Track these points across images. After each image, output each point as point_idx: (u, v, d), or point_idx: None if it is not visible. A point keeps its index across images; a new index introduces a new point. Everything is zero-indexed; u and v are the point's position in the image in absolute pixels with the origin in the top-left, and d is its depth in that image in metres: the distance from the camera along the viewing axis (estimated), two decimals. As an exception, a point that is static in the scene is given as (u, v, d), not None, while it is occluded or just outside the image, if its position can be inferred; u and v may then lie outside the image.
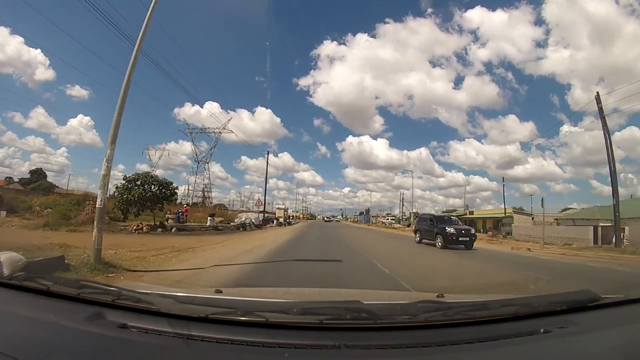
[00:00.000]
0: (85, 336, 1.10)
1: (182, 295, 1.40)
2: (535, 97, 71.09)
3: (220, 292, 1.67)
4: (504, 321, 1.29)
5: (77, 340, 1.10)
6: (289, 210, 73.12)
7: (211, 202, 58.82)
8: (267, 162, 41.89)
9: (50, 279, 1.44)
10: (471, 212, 52.72)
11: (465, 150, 77.34)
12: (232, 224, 27.63)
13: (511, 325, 1.27)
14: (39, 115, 61.85)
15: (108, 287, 1.36)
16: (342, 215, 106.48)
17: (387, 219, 74.28)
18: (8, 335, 1.13)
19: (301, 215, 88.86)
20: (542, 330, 1.22)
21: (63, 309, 1.27)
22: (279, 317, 1.18)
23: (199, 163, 58.76)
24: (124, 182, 18.31)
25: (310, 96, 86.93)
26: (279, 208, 49.44)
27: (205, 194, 59.21)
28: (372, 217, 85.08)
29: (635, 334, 1.29)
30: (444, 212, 67.84)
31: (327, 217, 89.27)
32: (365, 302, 1.30)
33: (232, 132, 53.65)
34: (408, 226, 53.94)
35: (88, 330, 1.12)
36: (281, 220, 40.45)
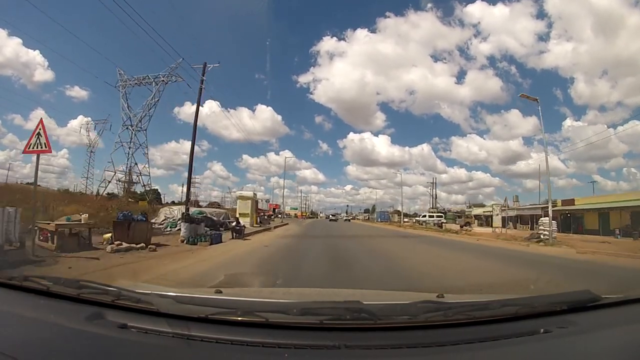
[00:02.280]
0: (85, 336, 1.10)
1: (182, 296, 1.40)
2: (538, 91, 69.73)
3: (220, 292, 1.67)
4: (504, 321, 1.29)
5: (77, 340, 1.10)
6: (286, 208, 61.72)
7: (144, 188, 38.71)
8: (200, 95, 16.69)
9: (50, 279, 1.45)
10: (567, 202, 33.48)
11: (468, 146, 75.57)
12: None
13: (511, 326, 1.27)
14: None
15: (108, 288, 1.36)
16: (346, 212, 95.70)
17: (423, 215, 51.81)
18: (8, 335, 1.13)
19: (299, 214, 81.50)
20: (542, 330, 1.22)
21: (63, 309, 1.27)
22: (279, 318, 1.18)
23: (132, 131, 37.59)
24: None
25: (311, 93, 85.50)
26: (241, 197, 25.49)
27: (133, 177, 38.31)
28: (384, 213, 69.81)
29: (635, 334, 1.29)
30: (471, 205, 57.64)
31: (332, 215, 77.11)
32: (365, 302, 1.29)
33: (181, 78, 29.70)
34: (465, 225, 35.79)
35: (88, 330, 1.13)
36: (233, 223, 17.25)
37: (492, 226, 28.33)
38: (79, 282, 1.44)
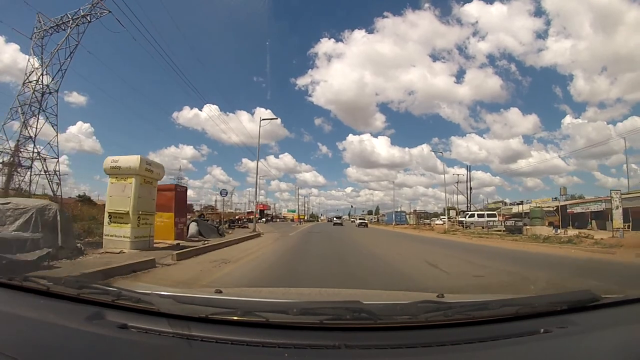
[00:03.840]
0: (85, 336, 1.10)
1: (182, 296, 1.40)
2: (538, 89, 69.97)
3: (220, 292, 1.67)
4: (504, 321, 1.28)
5: (77, 340, 1.10)
6: (283, 210, 60.01)
7: (50, 176, 24.65)
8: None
9: (50, 279, 1.45)
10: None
11: (468, 145, 75.59)
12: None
13: (511, 325, 1.27)
14: (37, 124, 58.18)
15: (108, 288, 1.36)
16: (349, 215, 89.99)
17: (470, 215, 36.08)
18: (8, 335, 1.13)
19: (295, 216, 76.63)
20: (542, 330, 1.22)
21: (63, 309, 1.27)
22: (279, 317, 1.18)
23: (41, 97, 24.41)
24: None
25: (310, 95, 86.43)
26: (114, 173, 9.30)
27: (20, 159, 24.28)
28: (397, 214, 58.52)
29: (635, 334, 1.29)
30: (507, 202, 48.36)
31: (337, 217, 66.95)
32: (365, 302, 1.29)
33: (108, 10, 23.26)
34: (550, 226, 23.10)
35: (88, 330, 1.13)
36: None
37: (612, 226, 18.00)
38: (79, 282, 1.44)
